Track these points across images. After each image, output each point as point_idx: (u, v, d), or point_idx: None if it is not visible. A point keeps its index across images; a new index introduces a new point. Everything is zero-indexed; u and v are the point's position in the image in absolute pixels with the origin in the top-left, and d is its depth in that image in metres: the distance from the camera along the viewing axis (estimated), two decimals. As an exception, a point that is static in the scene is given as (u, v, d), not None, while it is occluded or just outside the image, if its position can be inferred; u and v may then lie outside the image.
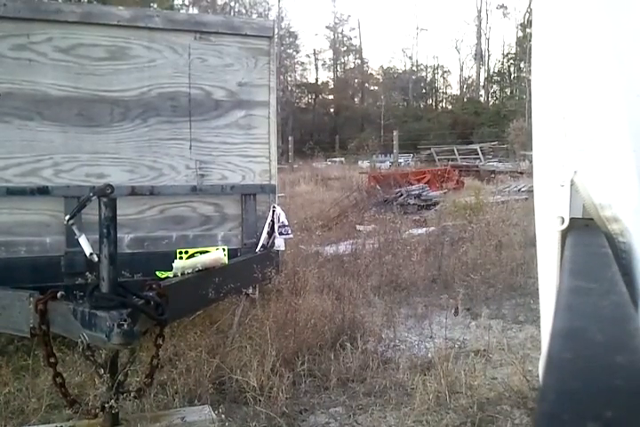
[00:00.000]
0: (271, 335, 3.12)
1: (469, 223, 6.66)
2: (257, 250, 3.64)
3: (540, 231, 0.97)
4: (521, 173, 15.32)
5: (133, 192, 3.41)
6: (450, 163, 20.64)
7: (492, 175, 15.41)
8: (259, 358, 2.96)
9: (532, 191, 1.05)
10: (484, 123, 38.23)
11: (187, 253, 2.99)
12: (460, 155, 24.69)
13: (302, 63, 53.68)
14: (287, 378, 2.83)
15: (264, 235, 3.66)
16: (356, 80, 55.94)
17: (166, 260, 2.87)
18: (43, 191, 3.24)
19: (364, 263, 5.06)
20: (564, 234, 0.79)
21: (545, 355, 0.38)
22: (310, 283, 4.16)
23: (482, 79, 54.94)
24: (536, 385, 2.76)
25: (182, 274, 2.73)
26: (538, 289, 1.01)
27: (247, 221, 3.70)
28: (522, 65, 46.74)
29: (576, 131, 0.82)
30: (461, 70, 59.46)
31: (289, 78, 49.36)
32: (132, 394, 2.32)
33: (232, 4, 47.98)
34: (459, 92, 57.93)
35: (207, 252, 3.01)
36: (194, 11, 43.37)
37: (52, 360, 2.28)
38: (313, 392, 2.89)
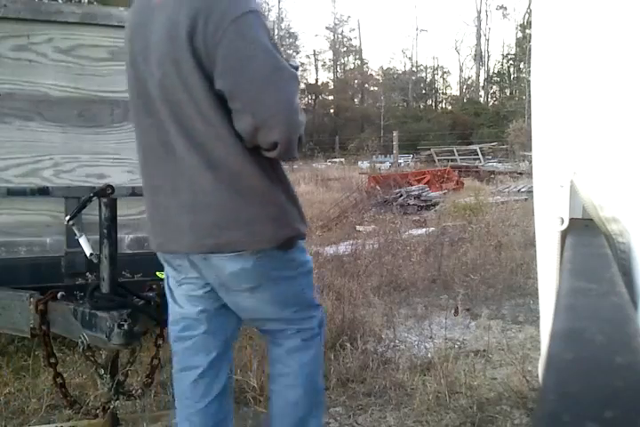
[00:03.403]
0: (271, 336, 3.12)
1: (469, 224, 6.67)
2: (257, 250, 3.64)
3: (539, 232, 0.97)
4: (520, 173, 15.31)
5: (134, 193, 3.41)
6: (449, 163, 20.63)
7: (492, 176, 15.40)
8: (259, 358, 2.96)
9: (532, 192, 1.05)
10: (484, 123, 38.25)
11: (187, 253, 2.98)
12: (459, 155, 24.68)
13: (302, 64, 53.71)
14: (287, 378, 2.83)
15: (264, 235, 3.66)
16: (356, 81, 55.95)
17: (166, 260, 2.87)
18: (43, 192, 3.24)
19: (364, 264, 5.06)
20: (564, 234, 0.79)
21: (545, 355, 0.38)
22: (310, 283, 4.16)
23: (481, 80, 54.99)
24: (536, 386, 2.76)
25: (182, 274, 2.73)
26: (537, 290, 1.01)
27: (247, 221, 3.70)
28: (521, 66, 46.78)
29: (576, 131, 0.82)
30: (461, 71, 59.53)
31: (289, 79, 49.19)
32: (132, 394, 2.32)
33: (232, 4, 47.87)
34: (458, 93, 57.99)
35: (207, 252, 3.01)
36: (194, 11, 43.24)
37: (53, 361, 2.29)
38: (313, 393, 2.89)
